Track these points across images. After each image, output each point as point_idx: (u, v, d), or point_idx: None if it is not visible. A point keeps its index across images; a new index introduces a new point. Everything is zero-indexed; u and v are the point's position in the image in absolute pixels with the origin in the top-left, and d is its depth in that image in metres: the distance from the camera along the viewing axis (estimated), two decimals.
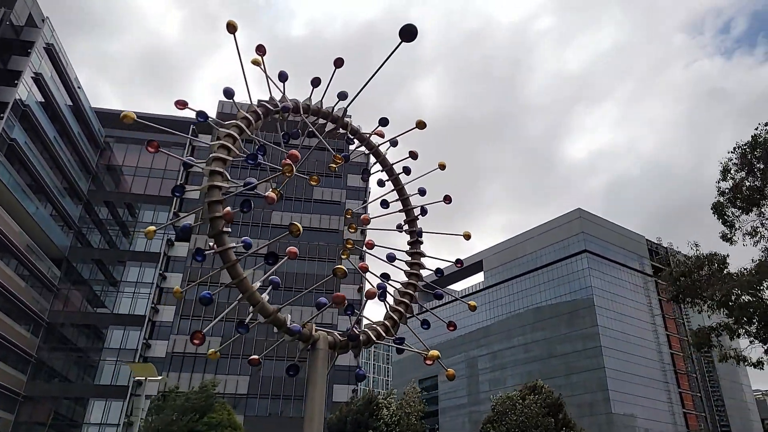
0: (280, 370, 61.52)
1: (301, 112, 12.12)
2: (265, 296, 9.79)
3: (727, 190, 29.19)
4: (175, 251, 69.15)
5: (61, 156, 61.37)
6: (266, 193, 9.67)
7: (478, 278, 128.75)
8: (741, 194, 28.31)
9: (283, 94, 11.94)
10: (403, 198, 13.31)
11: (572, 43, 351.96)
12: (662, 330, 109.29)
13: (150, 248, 68.58)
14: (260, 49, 11.35)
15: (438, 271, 13.12)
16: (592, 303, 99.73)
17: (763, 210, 28.87)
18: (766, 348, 28.66)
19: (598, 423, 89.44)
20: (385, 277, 12.25)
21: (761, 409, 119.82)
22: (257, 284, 9.85)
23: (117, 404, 58.94)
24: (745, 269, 28.76)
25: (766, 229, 28.92)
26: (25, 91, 53.49)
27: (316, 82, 11.95)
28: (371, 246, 12.56)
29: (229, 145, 10.22)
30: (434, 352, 10.29)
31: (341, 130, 13.14)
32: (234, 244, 9.66)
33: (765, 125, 29.25)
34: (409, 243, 13.02)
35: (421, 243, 13.02)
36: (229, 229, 9.62)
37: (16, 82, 52.15)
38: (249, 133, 10.79)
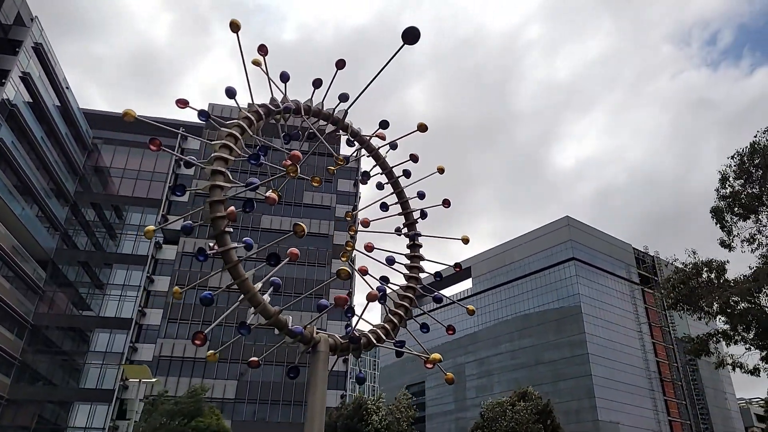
0: (268, 374, 61.11)
1: (302, 114, 12.07)
2: (266, 297, 9.69)
3: (726, 195, 29.40)
4: (163, 254, 68.53)
5: (48, 157, 60.70)
6: (267, 194, 9.61)
7: (466, 285, 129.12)
8: (740, 201, 28.53)
9: (284, 95, 11.89)
10: (403, 201, 13.29)
11: (561, 52, 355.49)
12: (648, 338, 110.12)
13: (137, 251, 67.98)
14: (262, 49, 11.29)
15: (437, 274, 13.08)
16: (579, 310, 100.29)
17: (760, 217, 29.11)
18: (763, 355, 28.83)
19: (584, 430, 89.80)
20: (385, 280, 12.20)
21: (745, 418, 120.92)
22: (258, 285, 9.75)
23: (102, 408, 58.19)
24: (744, 275, 28.96)
25: (764, 236, 29.16)
26: (13, 90, 52.86)
27: (317, 83, 11.90)
28: (371, 249, 12.50)
29: (231, 144, 10.14)
30: (436, 356, 10.25)
31: (341, 132, 13.11)
32: (236, 245, 9.57)
33: (764, 132, 29.41)
34: (408, 246, 12.98)
35: (420, 246, 13.00)
36: (231, 230, 9.52)
37: (3, 81, 51.52)
38: (251, 133, 10.72)
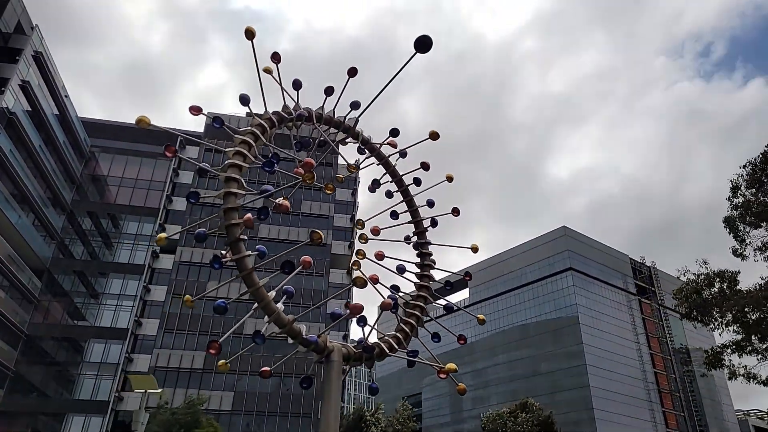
0: (264, 386, 60.58)
1: (314, 121, 12.04)
2: (280, 306, 9.59)
3: (738, 204, 29.53)
4: (160, 263, 68.08)
5: (45, 165, 60.41)
6: (279, 200, 9.56)
7: (463, 294, 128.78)
8: (751, 211, 28.64)
9: (296, 102, 11.84)
10: (413, 209, 13.22)
11: (555, 65, 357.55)
12: (646, 348, 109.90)
13: (134, 260, 67.53)
14: (275, 57, 11.26)
15: (447, 283, 13.01)
16: (576, 321, 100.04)
17: None
18: None
19: None
20: (395, 288, 12.12)
21: (743, 429, 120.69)
22: (272, 293, 9.65)
23: (97, 420, 57.46)
24: (759, 285, 28.99)
25: None
26: (12, 98, 52.68)
27: (329, 91, 11.89)
28: (381, 257, 12.40)
29: (245, 151, 10.08)
30: (451, 365, 10.15)
31: (351, 140, 13.06)
32: (250, 253, 9.49)
33: None
34: (418, 255, 12.90)
35: (431, 255, 12.91)
36: (246, 237, 9.44)
37: (3, 89, 51.31)
38: (264, 141, 10.67)
